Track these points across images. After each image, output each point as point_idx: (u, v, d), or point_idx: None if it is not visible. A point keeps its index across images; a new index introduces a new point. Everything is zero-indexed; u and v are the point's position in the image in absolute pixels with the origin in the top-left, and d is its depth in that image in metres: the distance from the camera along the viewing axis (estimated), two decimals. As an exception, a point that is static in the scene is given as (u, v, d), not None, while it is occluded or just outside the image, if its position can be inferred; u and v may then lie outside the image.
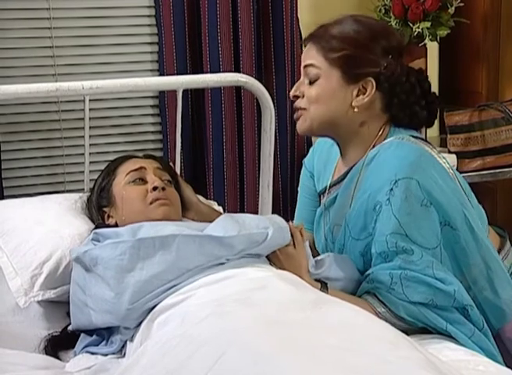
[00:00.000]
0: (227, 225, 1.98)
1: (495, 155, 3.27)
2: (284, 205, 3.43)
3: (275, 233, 2.00)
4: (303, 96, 2.11)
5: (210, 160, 3.32)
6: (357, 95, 2.06)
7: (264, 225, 2.00)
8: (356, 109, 2.06)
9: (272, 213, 2.93)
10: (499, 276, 2.03)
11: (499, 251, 2.15)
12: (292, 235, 2.05)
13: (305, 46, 2.13)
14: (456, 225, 1.98)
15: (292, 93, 2.13)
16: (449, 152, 3.23)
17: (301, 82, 2.12)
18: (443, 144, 3.35)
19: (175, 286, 1.88)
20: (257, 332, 1.59)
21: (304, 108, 2.10)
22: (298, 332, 1.60)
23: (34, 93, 2.58)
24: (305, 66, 2.10)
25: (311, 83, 2.08)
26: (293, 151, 3.44)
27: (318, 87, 2.07)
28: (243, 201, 3.38)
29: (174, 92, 3.20)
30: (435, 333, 1.99)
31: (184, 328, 1.69)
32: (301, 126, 2.14)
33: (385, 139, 2.09)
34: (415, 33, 3.28)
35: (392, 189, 1.95)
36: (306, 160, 2.41)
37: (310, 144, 3.45)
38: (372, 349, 1.54)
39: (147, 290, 1.87)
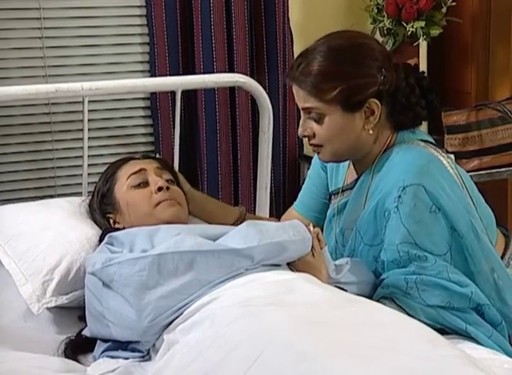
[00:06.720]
0: (248, 234, 1.94)
1: (491, 154, 3.28)
2: (277, 207, 3.40)
3: (297, 244, 1.98)
4: (314, 135, 2.08)
5: (204, 163, 3.29)
6: (366, 117, 2.04)
7: (286, 236, 1.97)
8: (371, 132, 2.06)
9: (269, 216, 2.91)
10: (506, 285, 2.04)
11: (504, 251, 2.17)
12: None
13: (290, 84, 2.10)
14: (462, 233, 1.97)
15: (300, 133, 2.11)
16: (447, 152, 3.20)
17: (305, 120, 2.09)
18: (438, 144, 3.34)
19: (197, 298, 1.83)
20: (295, 331, 1.56)
21: (321, 145, 2.10)
22: (335, 331, 1.58)
23: (33, 94, 2.53)
24: (303, 108, 2.07)
25: (317, 121, 2.06)
26: (285, 152, 3.42)
27: (326, 127, 2.05)
28: (237, 205, 3.31)
29: (166, 93, 3.17)
30: (452, 333, 1.98)
31: (215, 329, 1.66)
32: (324, 159, 2.16)
33: (393, 144, 2.10)
34: (409, 33, 3.28)
35: (400, 196, 1.96)
36: None
37: (302, 146, 3.43)
38: (412, 348, 1.54)
39: (168, 305, 1.82)
